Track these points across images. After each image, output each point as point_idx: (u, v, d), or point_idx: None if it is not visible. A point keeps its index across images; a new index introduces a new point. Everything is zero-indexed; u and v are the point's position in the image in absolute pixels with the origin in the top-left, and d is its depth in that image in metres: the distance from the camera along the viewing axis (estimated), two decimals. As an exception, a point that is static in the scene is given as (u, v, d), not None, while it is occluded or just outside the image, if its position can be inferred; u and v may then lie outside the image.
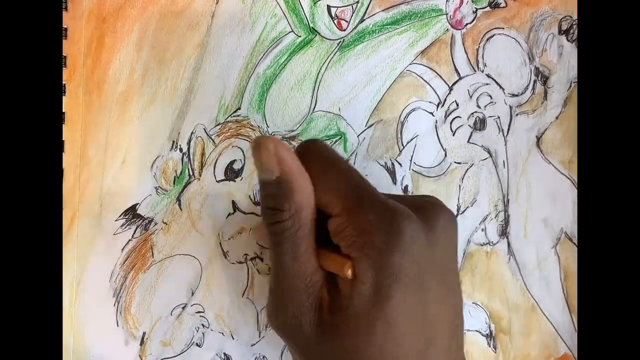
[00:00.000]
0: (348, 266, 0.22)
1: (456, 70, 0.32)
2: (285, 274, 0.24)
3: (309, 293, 0.24)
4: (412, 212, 0.23)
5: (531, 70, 0.32)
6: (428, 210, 0.24)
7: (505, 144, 0.32)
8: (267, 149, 0.23)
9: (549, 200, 0.32)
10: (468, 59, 0.32)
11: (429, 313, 0.23)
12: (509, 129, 0.32)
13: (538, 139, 0.32)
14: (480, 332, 0.33)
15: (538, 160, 0.32)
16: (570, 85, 0.32)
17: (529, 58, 0.32)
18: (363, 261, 0.22)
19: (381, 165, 0.32)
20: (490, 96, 0.32)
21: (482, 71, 0.32)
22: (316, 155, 0.25)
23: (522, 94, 0.32)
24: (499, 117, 0.32)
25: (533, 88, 0.32)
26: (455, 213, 0.32)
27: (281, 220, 0.23)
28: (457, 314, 0.25)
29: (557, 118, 0.32)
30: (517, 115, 0.32)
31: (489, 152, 0.32)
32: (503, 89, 0.32)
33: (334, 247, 0.24)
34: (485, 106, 0.32)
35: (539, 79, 0.32)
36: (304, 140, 0.25)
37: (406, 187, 0.32)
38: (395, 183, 0.32)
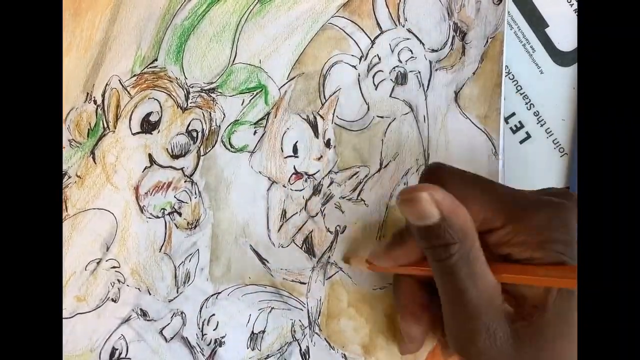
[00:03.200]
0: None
1: (378, 24, 0.33)
2: (467, 299, 0.24)
3: (496, 308, 0.24)
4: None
5: (450, 25, 0.33)
6: (569, 198, 0.25)
7: (426, 99, 0.33)
8: (424, 200, 0.23)
9: (466, 155, 0.33)
10: (389, 13, 0.33)
11: None
12: (429, 84, 0.33)
13: (456, 94, 0.33)
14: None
15: (456, 115, 0.33)
16: (487, 41, 0.33)
17: (448, 13, 0.33)
18: (549, 257, 0.23)
19: (303, 119, 0.32)
20: (411, 51, 0.33)
21: (403, 26, 0.33)
22: (453, 177, 0.25)
23: (441, 49, 0.33)
24: (419, 72, 0.33)
25: (452, 44, 0.33)
26: (378, 167, 0.33)
27: (452, 254, 0.23)
28: None
29: (474, 74, 0.33)
30: (436, 70, 0.33)
31: (410, 106, 0.33)
32: (423, 44, 0.33)
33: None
34: (406, 61, 0.33)
35: (457, 34, 0.33)
36: (427, 166, 0.26)
37: (328, 140, 0.32)
38: (317, 137, 0.32)
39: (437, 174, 0.26)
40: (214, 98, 0.31)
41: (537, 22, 0.34)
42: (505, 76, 0.33)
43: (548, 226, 0.23)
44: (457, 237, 0.23)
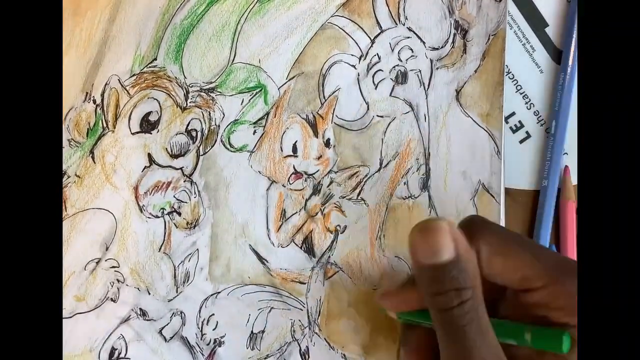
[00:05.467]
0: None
1: (378, 23, 0.32)
2: (476, 355, 0.22)
3: None
4: None
5: (451, 23, 0.33)
6: None
7: (427, 98, 0.33)
8: (443, 230, 0.22)
9: (467, 154, 0.33)
10: (389, 11, 0.32)
11: None
12: (429, 83, 0.33)
13: (457, 92, 0.33)
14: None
15: (457, 113, 0.33)
16: (489, 39, 0.33)
17: (449, 11, 0.33)
18: None
19: (302, 118, 0.32)
20: (411, 49, 0.33)
21: (404, 24, 0.32)
22: (491, 230, 0.24)
23: (442, 47, 0.33)
24: (420, 71, 0.33)
25: (453, 41, 0.33)
26: (378, 167, 0.33)
27: (465, 300, 0.22)
28: None
29: (475, 71, 0.33)
30: (437, 69, 0.33)
31: (410, 105, 0.33)
32: (424, 43, 0.33)
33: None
34: (406, 60, 0.33)
35: (459, 32, 0.33)
36: (464, 218, 0.25)
37: (328, 140, 0.32)
38: (317, 136, 0.32)
39: (473, 226, 0.24)
40: (213, 97, 0.31)
41: (537, 22, 0.34)
42: (505, 75, 0.33)
43: None
44: (471, 283, 0.22)
